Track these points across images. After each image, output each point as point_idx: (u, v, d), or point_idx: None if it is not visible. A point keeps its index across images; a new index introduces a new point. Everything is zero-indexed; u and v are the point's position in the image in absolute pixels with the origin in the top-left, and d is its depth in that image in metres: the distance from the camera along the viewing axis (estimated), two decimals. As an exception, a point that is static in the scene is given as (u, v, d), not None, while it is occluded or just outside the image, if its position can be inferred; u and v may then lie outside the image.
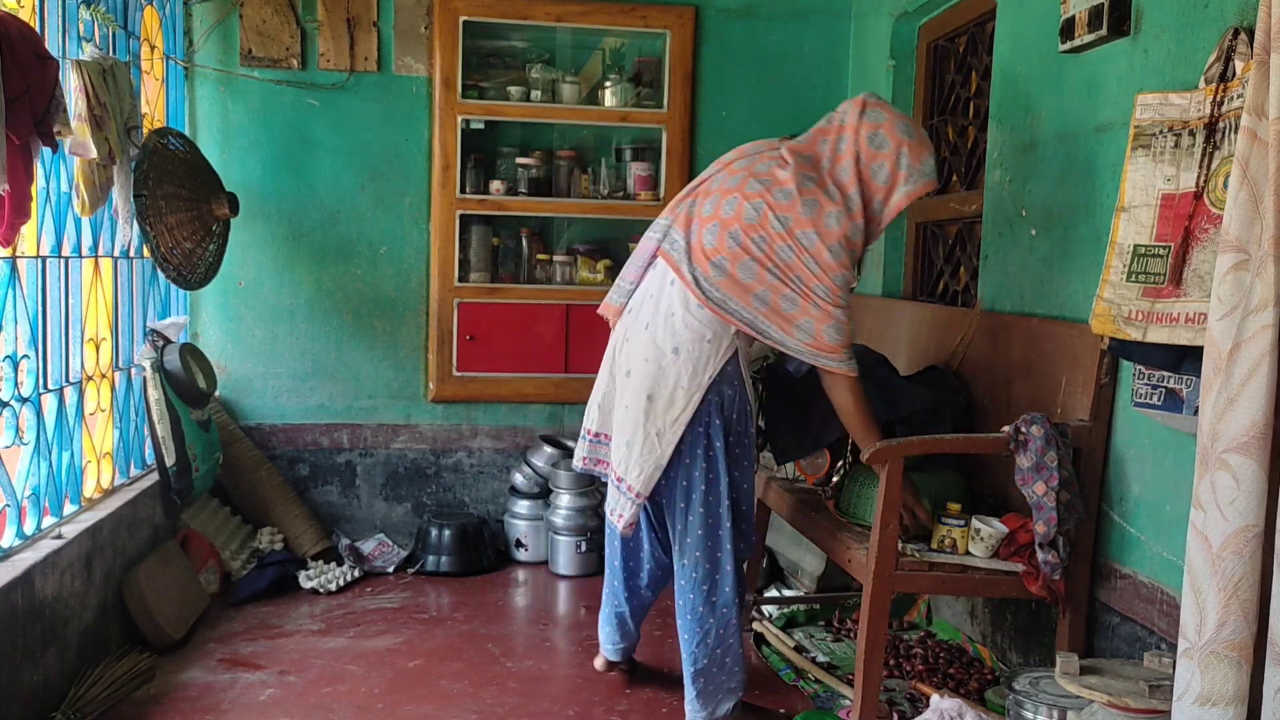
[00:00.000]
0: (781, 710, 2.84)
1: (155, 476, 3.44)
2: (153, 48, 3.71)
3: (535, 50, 4.43)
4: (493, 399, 4.35)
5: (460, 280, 4.27)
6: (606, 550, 3.00)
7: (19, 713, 2.44)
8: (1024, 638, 2.93)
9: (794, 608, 3.55)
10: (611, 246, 4.48)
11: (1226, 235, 1.75)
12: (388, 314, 4.29)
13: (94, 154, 2.77)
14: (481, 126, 4.29)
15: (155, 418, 3.38)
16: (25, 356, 2.65)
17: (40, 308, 2.77)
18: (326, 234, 4.22)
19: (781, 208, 2.54)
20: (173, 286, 3.76)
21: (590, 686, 3.02)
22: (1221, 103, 2.14)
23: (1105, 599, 2.58)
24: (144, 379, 3.39)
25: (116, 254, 3.29)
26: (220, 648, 3.19)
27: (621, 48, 4.53)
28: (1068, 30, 2.70)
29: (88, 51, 2.96)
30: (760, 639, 3.35)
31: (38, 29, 2.66)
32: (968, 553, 2.62)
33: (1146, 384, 2.39)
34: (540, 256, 4.40)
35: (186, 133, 3.96)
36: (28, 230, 2.62)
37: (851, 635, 3.38)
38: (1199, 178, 2.17)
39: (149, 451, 3.51)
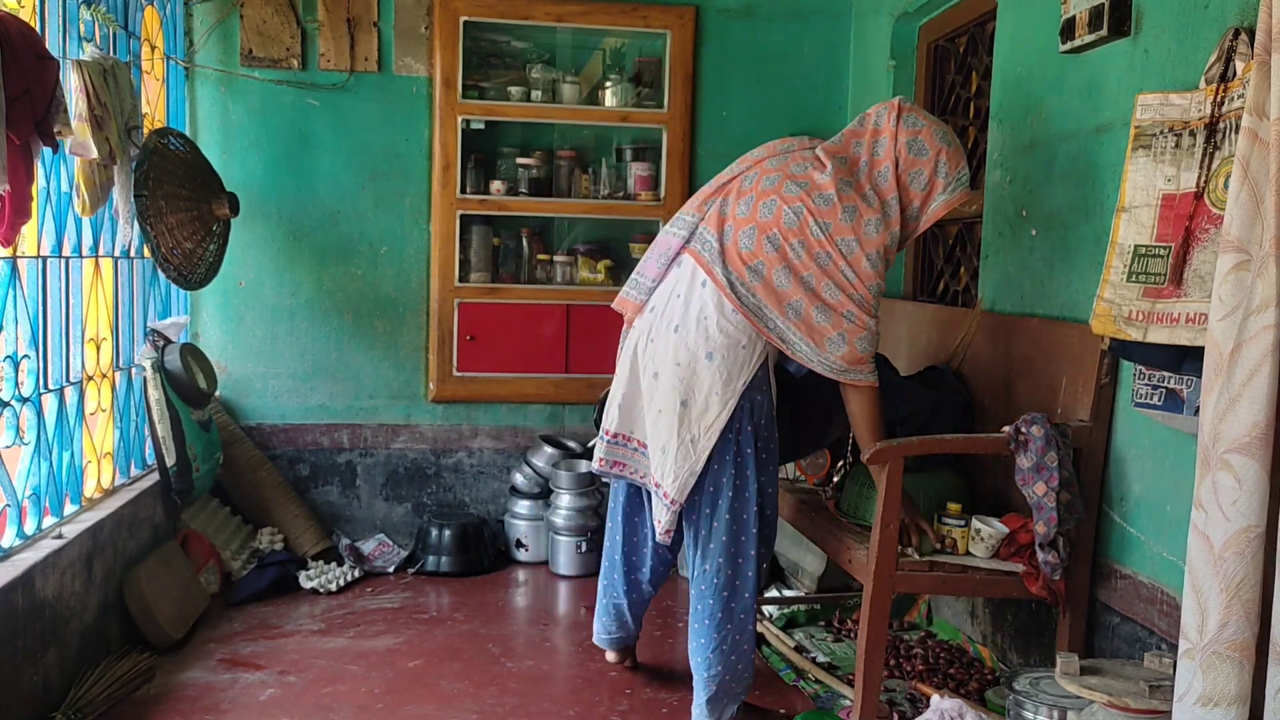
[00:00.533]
0: (782, 710, 2.84)
1: (155, 476, 3.44)
2: (153, 48, 3.71)
3: (535, 50, 4.43)
4: (493, 399, 4.35)
5: (461, 280, 4.27)
6: (606, 542, 2.96)
7: (19, 713, 2.44)
8: (1024, 638, 2.93)
9: (794, 608, 3.55)
10: (612, 246, 4.48)
11: (1227, 235, 1.75)
12: (388, 314, 4.29)
13: (94, 154, 2.77)
14: (482, 126, 4.29)
15: (156, 418, 3.38)
16: (26, 356, 2.65)
17: (41, 308, 2.77)
18: (327, 234, 4.22)
19: (822, 213, 2.51)
20: (173, 286, 3.76)
21: (591, 686, 3.01)
22: (1222, 103, 2.14)
23: (1105, 599, 2.58)
24: (144, 379, 3.39)
25: (117, 254, 3.29)
26: (220, 648, 3.19)
27: (622, 48, 4.53)
28: (1068, 30, 2.70)
29: (88, 51, 2.96)
30: (761, 639, 3.35)
31: (38, 29, 2.66)
32: (968, 553, 2.62)
33: (1147, 384, 2.39)
34: (541, 257, 4.40)
35: (187, 133, 3.96)
36: (28, 230, 2.62)
37: (852, 635, 3.38)
38: (1199, 178, 2.17)
39: (149, 451, 3.51)
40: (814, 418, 2.88)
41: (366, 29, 4.15)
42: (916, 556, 2.58)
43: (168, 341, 3.52)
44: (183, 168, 3.46)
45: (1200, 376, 1.84)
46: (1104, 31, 2.55)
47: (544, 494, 4.18)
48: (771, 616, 3.50)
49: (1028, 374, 2.84)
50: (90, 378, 3.08)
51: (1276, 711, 1.66)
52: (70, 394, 2.92)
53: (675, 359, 2.59)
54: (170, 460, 3.39)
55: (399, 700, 2.87)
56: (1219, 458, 1.72)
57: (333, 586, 3.76)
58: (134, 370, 3.44)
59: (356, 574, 3.90)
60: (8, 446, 2.60)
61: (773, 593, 3.79)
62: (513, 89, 4.26)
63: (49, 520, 2.78)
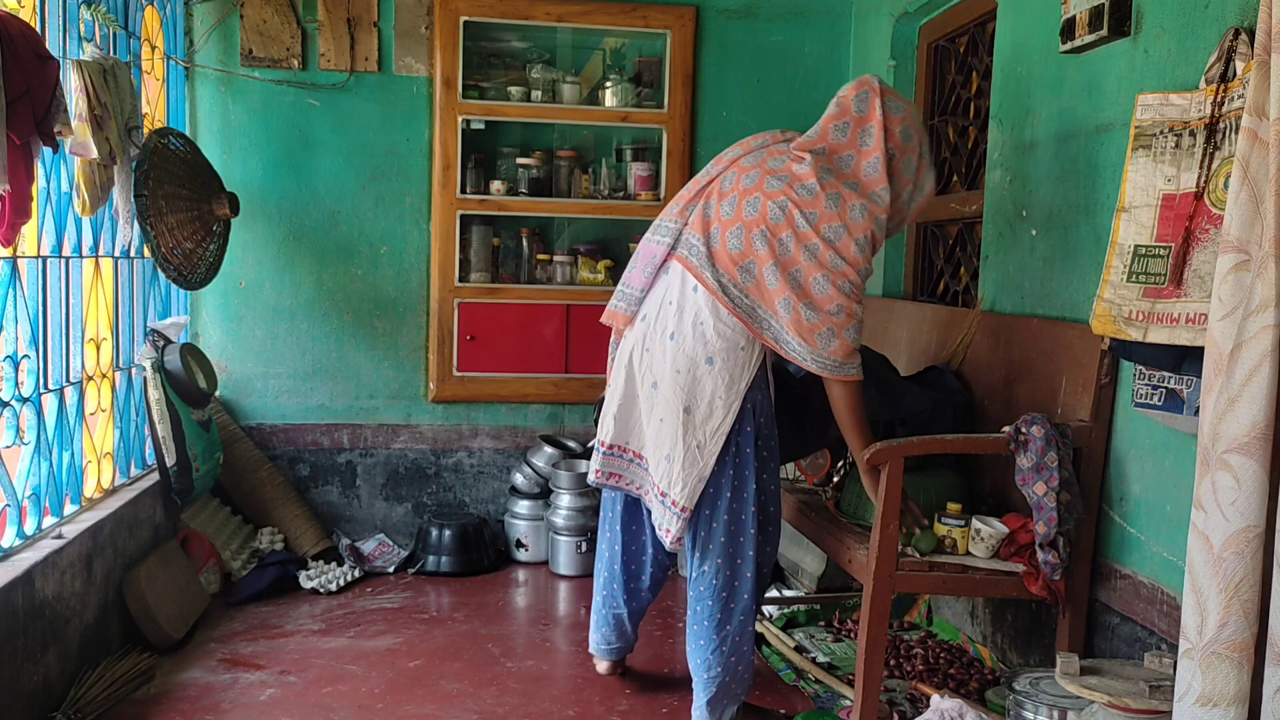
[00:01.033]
0: (782, 710, 2.84)
1: (156, 476, 3.44)
2: (153, 48, 3.71)
3: (535, 50, 4.43)
4: (493, 399, 4.35)
5: (461, 280, 4.27)
6: (604, 552, 2.93)
7: (19, 713, 2.44)
8: (1024, 638, 2.93)
9: (794, 608, 3.55)
10: (612, 246, 4.48)
11: (1227, 236, 1.75)
12: (388, 314, 4.29)
13: (95, 154, 2.77)
14: (482, 126, 4.29)
15: (156, 418, 3.38)
16: (26, 356, 2.65)
17: (41, 308, 2.77)
18: (327, 234, 4.22)
19: (806, 204, 2.50)
20: (173, 286, 3.76)
21: (590, 687, 3.02)
22: (1222, 103, 2.14)
23: (1105, 599, 2.58)
24: (144, 379, 3.39)
25: (117, 254, 3.29)
26: (220, 648, 3.19)
27: (622, 48, 4.53)
28: (1068, 30, 2.70)
29: (88, 51, 2.96)
30: (761, 639, 3.35)
31: (38, 29, 2.66)
32: (968, 553, 2.62)
33: (1147, 384, 2.39)
34: (541, 256, 4.40)
35: (187, 133, 3.96)
36: (28, 230, 2.62)
37: (852, 635, 3.38)
38: (1199, 178, 2.17)
39: (149, 451, 3.51)
40: (814, 418, 2.88)
41: (367, 29, 4.15)
42: (917, 556, 2.58)
43: (168, 341, 3.52)
44: (183, 168, 3.46)
45: (1200, 377, 1.84)
46: (1104, 32, 2.55)
47: (544, 494, 4.18)
48: (771, 616, 3.50)
49: (1028, 374, 2.84)
50: (90, 378, 3.08)
51: (1275, 712, 1.66)
52: (70, 394, 2.92)
53: (674, 366, 2.58)
54: (170, 460, 3.39)
55: (399, 700, 2.87)
56: (1219, 458, 1.72)
57: (333, 586, 3.76)
58: (134, 370, 3.44)
59: (356, 574, 3.90)
60: (8, 446, 2.60)
61: (773, 593, 3.79)
62: (513, 89, 4.27)
63: (49, 520, 2.78)
